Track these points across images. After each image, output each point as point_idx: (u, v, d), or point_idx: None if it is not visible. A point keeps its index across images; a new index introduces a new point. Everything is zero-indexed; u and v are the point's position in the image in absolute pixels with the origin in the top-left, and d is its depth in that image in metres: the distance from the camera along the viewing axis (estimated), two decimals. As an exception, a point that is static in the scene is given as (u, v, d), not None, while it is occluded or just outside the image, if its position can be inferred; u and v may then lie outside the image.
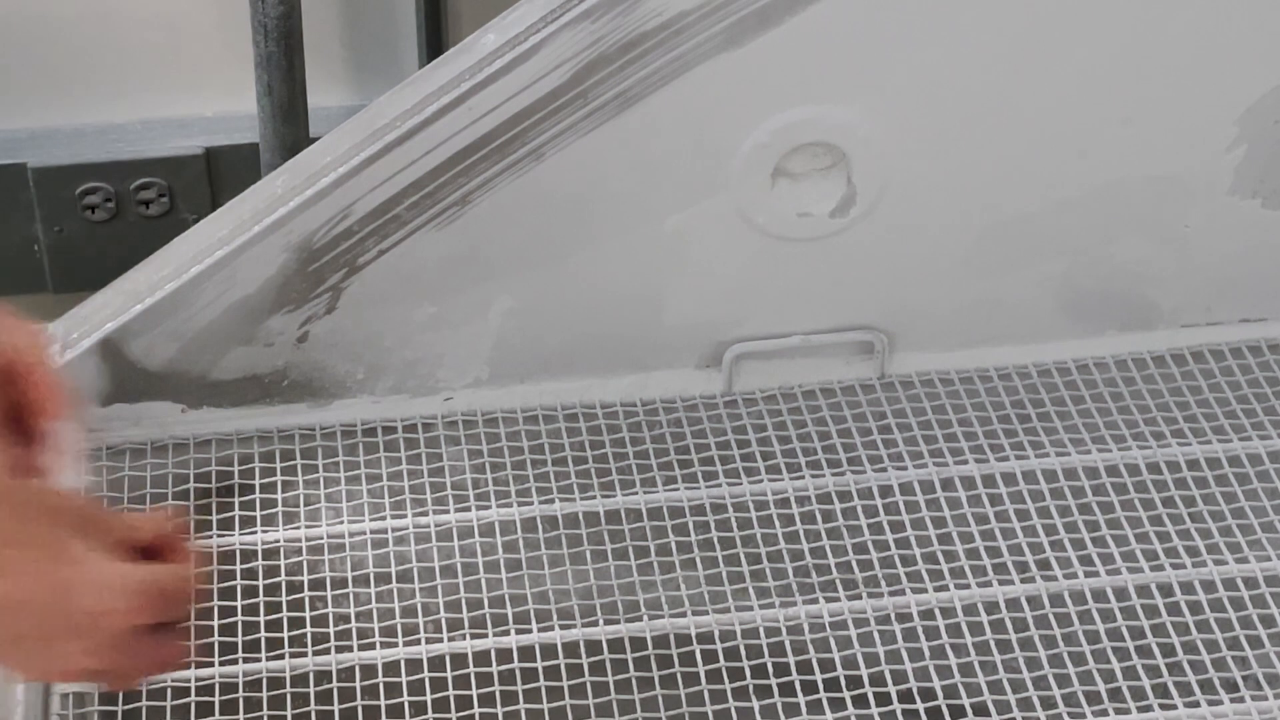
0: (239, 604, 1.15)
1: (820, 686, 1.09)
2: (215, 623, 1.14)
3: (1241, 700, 1.09)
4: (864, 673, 1.10)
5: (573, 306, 1.30)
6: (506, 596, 1.17)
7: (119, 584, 0.90)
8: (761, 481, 1.24)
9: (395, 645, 1.14)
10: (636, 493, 1.23)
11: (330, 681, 1.13)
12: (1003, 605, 1.15)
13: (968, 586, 1.15)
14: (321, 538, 1.20)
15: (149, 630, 0.91)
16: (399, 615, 1.14)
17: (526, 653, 1.14)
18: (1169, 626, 1.13)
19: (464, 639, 1.12)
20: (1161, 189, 1.29)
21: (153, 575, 0.92)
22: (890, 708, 1.08)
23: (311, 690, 1.13)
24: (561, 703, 1.08)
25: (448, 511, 1.22)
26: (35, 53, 1.90)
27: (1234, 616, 1.14)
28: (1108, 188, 1.29)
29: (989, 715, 1.08)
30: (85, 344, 1.21)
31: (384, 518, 1.22)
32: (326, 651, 1.14)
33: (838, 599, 1.15)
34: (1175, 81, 1.24)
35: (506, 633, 1.15)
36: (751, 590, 1.16)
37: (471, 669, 1.13)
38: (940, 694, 1.09)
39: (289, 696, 1.12)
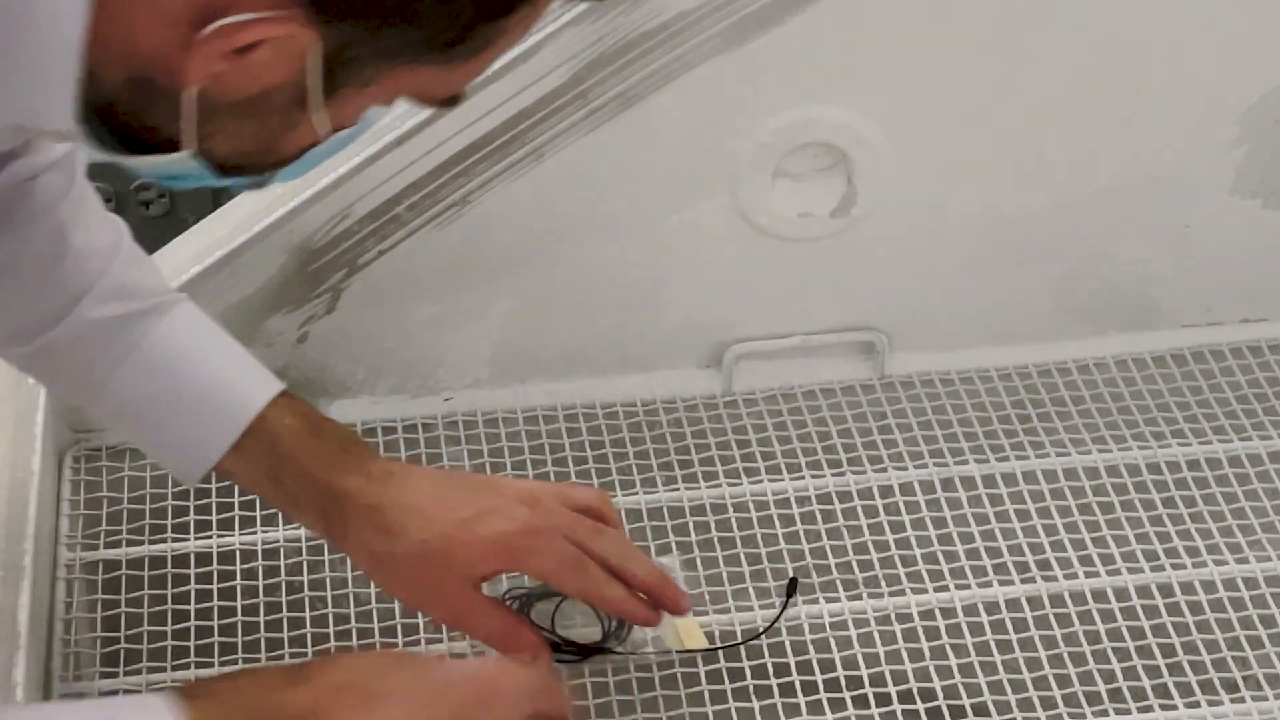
0: (239, 604, 1.15)
1: (820, 686, 1.09)
2: (215, 623, 1.14)
3: (1242, 700, 1.09)
4: (864, 673, 1.10)
5: (573, 306, 1.30)
6: (506, 596, 1.17)
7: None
8: (761, 481, 1.24)
9: (396, 645, 1.14)
10: (636, 493, 1.23)
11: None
12: (1003, 605, 1.15)
13: (968, 586, 1.15)
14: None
15: None
16: (399, 615, 1.13)
17: (526, 653, 1.14)
18: (1169, 626, 1.13)
19: (465, 639, 1.12)
20: (1161, 189, 1.29)
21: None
22: (890, 708, 1.08)
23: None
24: (561, 703, 1.08)
25: (448, 511, 1.22)
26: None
27: (1234, 616, 1.14)
28: (1108, 188, 1.29)
29: (989, 715, 1.08)
30: (85, 344, 1.21)
31: (384, 518, 1.21)
32: (329, 652, 1.14)
33: (838, 599, 1.15)
34: (1175, 81, 1.24)
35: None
36: (751, 590, 1.16)
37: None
38: (940, 694, 1.09)
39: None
